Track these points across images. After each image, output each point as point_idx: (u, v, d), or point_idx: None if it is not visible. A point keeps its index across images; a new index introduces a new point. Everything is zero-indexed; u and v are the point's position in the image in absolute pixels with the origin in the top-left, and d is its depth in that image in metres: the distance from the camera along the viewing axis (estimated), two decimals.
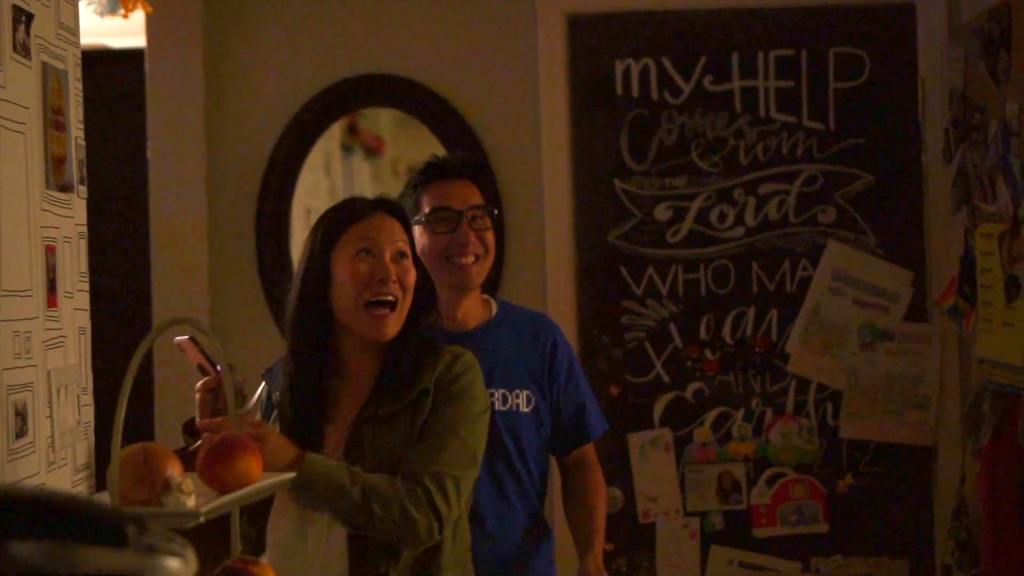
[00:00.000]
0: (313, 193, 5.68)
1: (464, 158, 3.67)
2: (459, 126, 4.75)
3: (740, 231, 4.74)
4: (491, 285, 4.72)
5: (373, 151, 6.49)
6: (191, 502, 2.22)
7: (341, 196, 6.01)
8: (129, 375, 2.21)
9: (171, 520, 2.16)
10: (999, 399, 4.30)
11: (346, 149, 6.32)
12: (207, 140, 4.77)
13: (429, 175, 3.53)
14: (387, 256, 2.88)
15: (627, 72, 4.75)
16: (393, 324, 2.87)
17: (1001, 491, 4.20)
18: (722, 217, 4.74)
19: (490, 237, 3.49)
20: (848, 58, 4.75)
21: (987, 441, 4.32)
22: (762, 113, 4.75)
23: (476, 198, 3.50)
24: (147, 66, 4.80)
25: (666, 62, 4.75)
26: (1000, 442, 4.26)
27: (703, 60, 4.75)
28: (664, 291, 4.73)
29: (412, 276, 2.92)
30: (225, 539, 2.49)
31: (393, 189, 6.35)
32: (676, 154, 4.75)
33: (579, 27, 4.76)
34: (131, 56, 4.96)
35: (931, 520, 4.69)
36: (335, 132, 5.80)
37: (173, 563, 1.53)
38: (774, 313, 4.73)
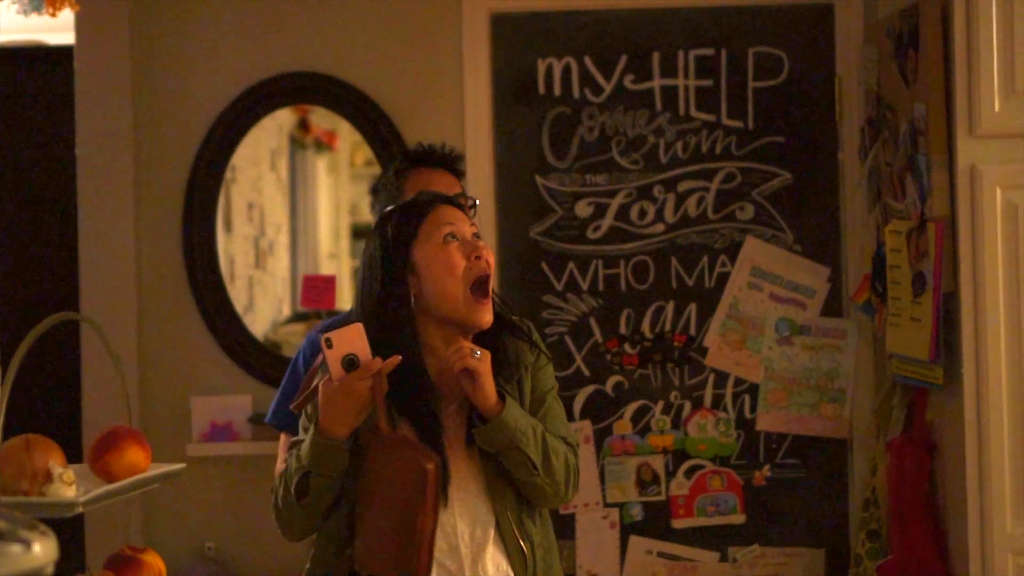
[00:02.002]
0: (257, 188, 5.71)
1: (446, 149, 3.71)
2: (383, 123, 4.81)
3: (660, 227, 4.81)
4: None
5: (325, 146, 6.52)
6: (71, 492, 2.28)
7: (289, 191, 6.08)
8: (11, 369, 2.26)
9: (49, 510, 2.22)
10: (908, 393, 4.39)
11: (299, 145, 6.35)
12: (135, 136, 4.82)
13: (411, 163, 3.59)
14: (469, 237, 2.88)
15: (549, 70, 4.82)
16: (491, 310, 2.86)
17: (909, 482, 4.29)
18: (642, 213, 4.81)
19: None
20: (767, 58, 4.83)
21: (896, 434, 4.41)
22: (682, 111, 4.82)
23: (456, 188, 3.57)
24: (76, 63, 4.85)
25: (588, 61, 4.82)
26: (908, 435, 4.35)
27: (624, 59, 4.82)
28: (585, 286, 4.80)
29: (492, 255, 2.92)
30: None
31: (349, 183, 6.45)
32: (597, 151, 4.82)
33: (503, 26, 4.82)
34: (65, 53, 5.01)
35: (845, 511, 4.77)
36: (284, 128, 5.84)
37: (15, 548, 1.58)
38: (693, 308, 4.81)
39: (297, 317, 5.47)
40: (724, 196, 4.81)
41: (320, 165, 6.48)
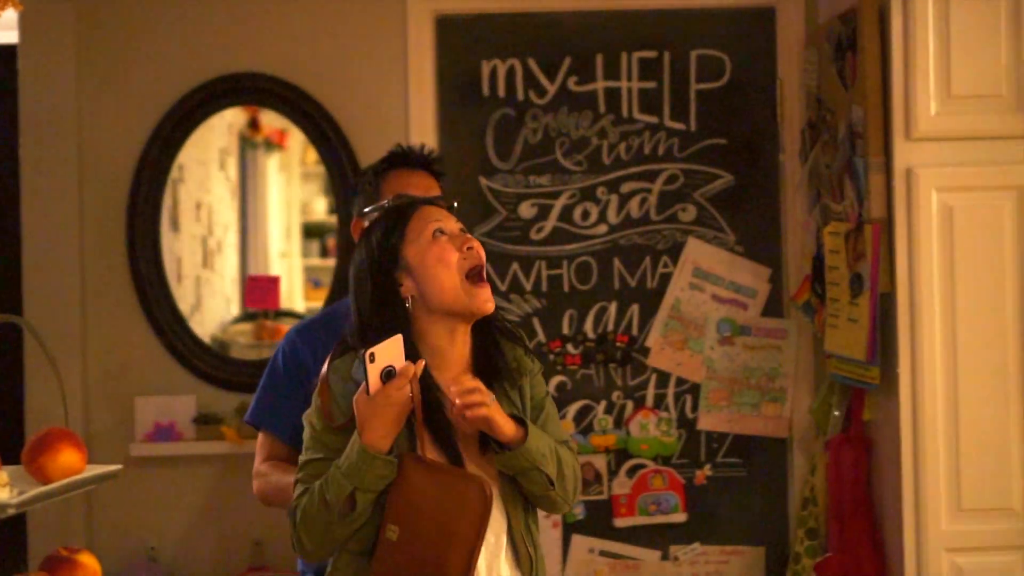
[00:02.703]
0: (205, 188, 5.70)
1: (425, 150, 3.72)
2: (328, 124, 4.82)
3: (603, 228, 4.84)
4: None
5: (275, 145, 6.51)
6: (4, 494, 2.29)
7: (239, 191, 6.07)
8: None
9: None
10: (846, 392, 4.44)
11: (249, 144, 6.34)
12: (79, 135, 4.82)
13: (390, 164, 3.60)
14: (457, 231, 2.90)
15: (493, 72, 4.85)
16: (491, 295, 2.88)
17: (847, 481, 4.34)
18: (585, 215, 4.84)
19: None
20: (709, 60, 4.87)
21: (835, 433, 4.46)
22: (625, 113, 4.85)
23: (435, 190, 3.57)
24: (20, 62, 4.84)
25: (531, 63, 4.85)
26: (847, 434, 4.40)
27: (568, 61, 4.85)
28: (528, 287, 4.82)
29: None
30: None
31: (300, 182, 6.45)
32: (541, 153, 4.85)
33: (447, 28, 4.84)
34: (9, 51, 4.99)
35: (785, 509, 4.82)
36: (234, 127, 5.84)
37: None
38: (635, 308, 4.84)
39: (246, 317, 5.47)
40: (666, 197, 4.85)
41: (271, 164, 6.48)
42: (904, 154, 4.00)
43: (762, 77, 4.86)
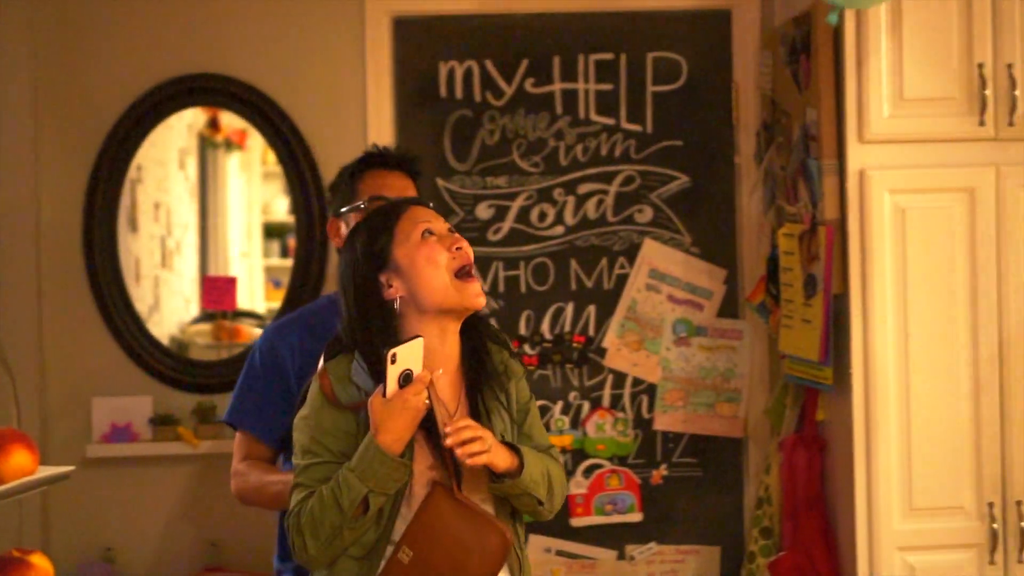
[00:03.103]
0: (164, 188, 5.69)
1: (401, 151, 3.72)
2: (286, 125, 4.83)
3: (560, 229, 4.86)
4: (317, 280, 4.83)
5: (235, 145, 6.50)
6: None
7: (199, 190, 6.06)
8: None
9: None
10: (800, 393, 4.47)
11: (209, 144, 6.33)
12: (35, 135, 4.79)
13: (366, 165, 3.61)
14: (445, 232, 2.96)
15: (451, 74, 4.86)
16: (481, 290, 2.93)
17: (801, 481, 4.37)
18: (542, 216, 4.86)
19: None
20: (666, 62, 4.89)
21: (789, 433, 4.49)
22: (582, 115, 4.87)
23: (411, 191, 3.59)
24: None
25: (489, 64, 4.86)
26: (800, 434, 4.44)
27: (525, 63, 4.87)
28: (485, 287, 4.83)
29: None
30: None
31: (261, 181, 6.43)
32: (498, 154, 4.86)
33: (405, 29, 4.85)
34: None
35: (741, 509, 4.85)
36: (194, 127, 5.83)
37: None
38: (592, 309, 4.86)
39: (205, 317, 5.46)
40: (623, 199, 4.87)
41: (231, 164, 6.46)
42: (857, 156, 4.04)
43: (718, 79, 4.88)
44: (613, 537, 4.84)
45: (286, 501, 3.34)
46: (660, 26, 4.89)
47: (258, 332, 5.11)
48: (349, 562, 2.84)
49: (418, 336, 2.78)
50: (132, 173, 5.00)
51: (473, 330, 2.98)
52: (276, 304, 5.19)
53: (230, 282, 5.06)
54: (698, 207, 4.87)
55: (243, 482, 3.56)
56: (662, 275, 4.85)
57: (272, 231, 6.57)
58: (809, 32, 4.17)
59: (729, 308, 4.86)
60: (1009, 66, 4.03)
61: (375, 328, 2.86)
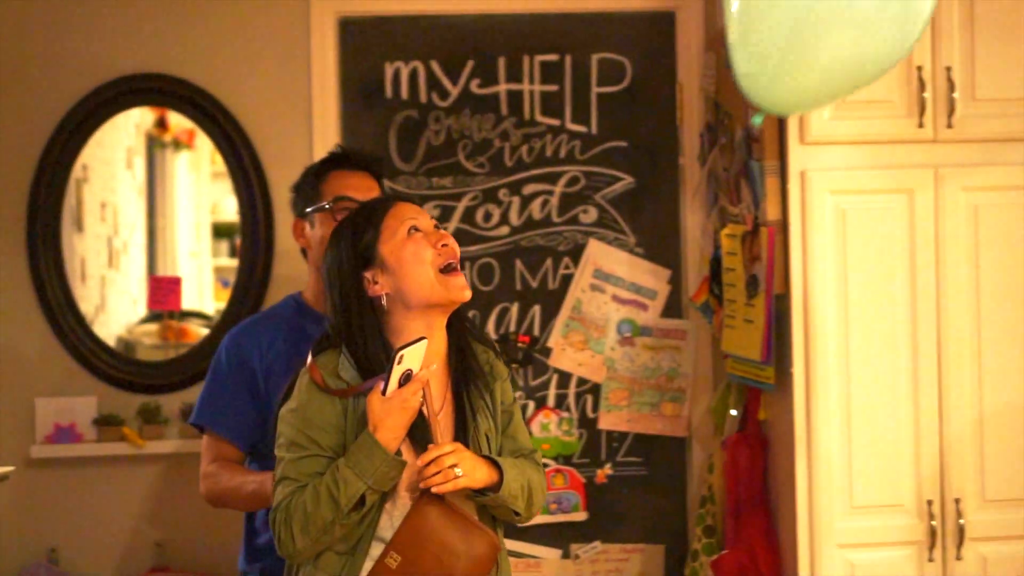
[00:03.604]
0: (111, 188, 5.66)
1: (365, 152, 3.72)
2: (231, 126, 4.82)
3: (505, 230, 4.88)
4: (263, 280, 4.82)
5: (184, 145, 6.48)
6: None
7: (146, 190, 6.04)
8: None
9: None
10: (743, 392, 4.50)
11: (157, 143, 6.30)
12: None
13: (330, 165, 3.60)
14: (431, 228, 2.97)
15: (397, 74, 4.87)
16: (467, 284, 2.95)
17: (744, 479, 4.40)
18: (487, 216, 4.88)
19: None
20: (611, 64, 4.92)
21: (732, 432, 4.52)
22: (527, 116, 4.89)
23: (375, 191, 3.58)
24: None
25: (435, 65, 4.87)
26: (743, 433, 4.46)
27: (471, 64, 4.88)
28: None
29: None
30: None
31: (210, 181, 6.39)
32: (443, 155, 4.88)
33: (350, 30, 4.85)
34: None
35: (684, 507, 4.88)
36: (141, 127, 5.80)
37: None
38: (536, 309, 4.88)
39: (152, 318, 5.44)
40: (568, 199, 4.89)
41: (179, 163, 6.44)
42: (798, 158, 4.06)
43: (662, 81, 4.91)
44: (558, 536, 4.86)
45: (262, 500, 3.35)
46: (605, 28, 4.91)
47: (205, 332, 5.11)
48: (333, 557, 2.86)
49: (423, 338, 2.81)
50: (78, 172, 4.98)
51: (459, 327, 3.01)
52: (224, 304, 5.18)
53: (175, 282, 5.05)
54: (642, 208, 4.90)
55: (215, 483, 3.53)
56: (607, 275, 4.87)
57: (221, 231, 6.54)
58: None
59: (673, 308, 4.89)
60: (948, 69, 4.07)
61: (361, 324, 2.89)
